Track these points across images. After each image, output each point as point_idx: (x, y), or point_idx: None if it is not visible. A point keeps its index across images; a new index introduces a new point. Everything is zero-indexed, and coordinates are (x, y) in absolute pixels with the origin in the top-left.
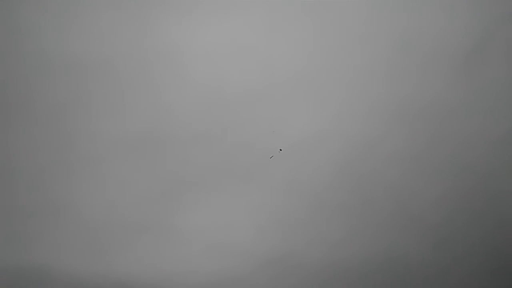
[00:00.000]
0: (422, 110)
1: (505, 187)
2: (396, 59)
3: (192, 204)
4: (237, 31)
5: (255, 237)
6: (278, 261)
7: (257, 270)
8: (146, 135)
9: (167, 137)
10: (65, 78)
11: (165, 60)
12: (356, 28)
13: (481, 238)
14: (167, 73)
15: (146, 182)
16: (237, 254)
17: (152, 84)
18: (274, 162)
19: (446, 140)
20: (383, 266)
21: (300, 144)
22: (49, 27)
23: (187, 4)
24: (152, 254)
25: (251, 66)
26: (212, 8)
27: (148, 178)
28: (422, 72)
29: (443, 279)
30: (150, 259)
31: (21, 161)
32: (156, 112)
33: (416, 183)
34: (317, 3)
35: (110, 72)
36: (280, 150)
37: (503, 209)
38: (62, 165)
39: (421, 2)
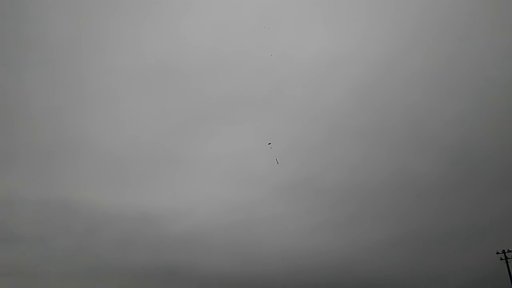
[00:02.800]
0: (441, 25)
1: None
2: None
3: (209, 134)
4: None
5: (272, 164)
6: (296, 186)
7: (275, 195)
8: (160, 68)
9: (181, 68)
10: (77, 13)
11: None
12: None
13: (495, 155)
14: (177, 1)
15: (163, 114)
16: (254, 181)
17: (163, 15)
18: (290, 89)
19: (466, 56)
20: (400, 185)
21: (316, 68)
22: None
23: None
24: (171, 184)
25: None
26: None
27: (164, 110)
28: None
29: (459, 195)
30: (169, 189)
31: (39, 102)
32: (169, 44)
33: (433, 103)
34: None
35: (120, 5)
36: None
37: None
38: (79, 102)
39: None
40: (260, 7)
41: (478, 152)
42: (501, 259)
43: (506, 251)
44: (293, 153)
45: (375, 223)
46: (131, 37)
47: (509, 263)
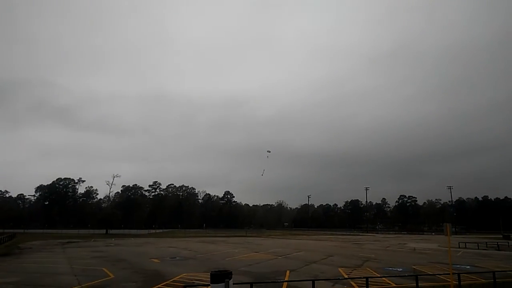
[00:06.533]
0: None
1: None
2: None
3: (292, 12)
4: None
5: (362, 34)
6: (390, 55)
7: (366, 67)
8: None
9: None
10: None
11: None
12: None
13: None
14: None
15: None
16: (343, 55)
17: None
18: None
19: None
20: None
21: None
22: None
23: None
24: (258, 67)
25: None
26: None
27: None
28: None
29: None
30: (256, 72)
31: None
32: None
33: None
34: None
35: None
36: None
37: None
38: None
39: None
40: None
41: None
42: None
43: None
44: (388, 18)
45: (481, 87)
46: None
47: None
